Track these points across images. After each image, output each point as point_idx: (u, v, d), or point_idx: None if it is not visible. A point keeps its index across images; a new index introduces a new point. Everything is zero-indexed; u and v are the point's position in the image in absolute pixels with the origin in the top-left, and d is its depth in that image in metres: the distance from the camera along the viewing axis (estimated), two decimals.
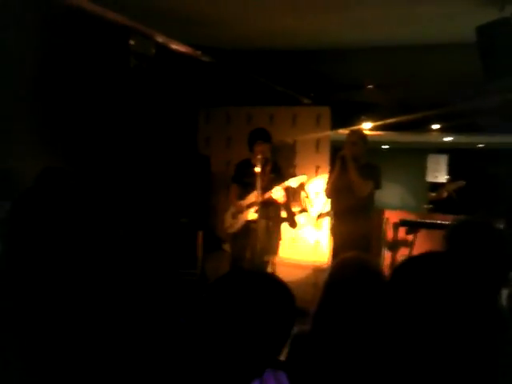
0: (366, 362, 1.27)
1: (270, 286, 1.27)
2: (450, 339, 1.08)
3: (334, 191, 4.86)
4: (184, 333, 1.25)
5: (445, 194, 6.60)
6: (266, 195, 4.84)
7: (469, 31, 3.91)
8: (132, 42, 5.01)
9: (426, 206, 6.95)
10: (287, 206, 5.30)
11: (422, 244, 5.42)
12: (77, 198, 1.66)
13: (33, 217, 1.40)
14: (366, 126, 8.43)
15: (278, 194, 4.91)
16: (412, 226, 5.62)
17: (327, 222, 5.39)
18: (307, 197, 5.73)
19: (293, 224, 5.61)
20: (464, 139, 9.49)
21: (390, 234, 6.26)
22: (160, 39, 5.36)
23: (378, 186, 4.85)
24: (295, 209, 5.79)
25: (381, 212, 6.66)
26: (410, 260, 1.21)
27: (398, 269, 1.18)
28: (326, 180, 5.07)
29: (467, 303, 1.13)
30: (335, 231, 4.98)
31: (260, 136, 5.08)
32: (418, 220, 5.82)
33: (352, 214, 4.76)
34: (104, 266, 2.53)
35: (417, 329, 1.12)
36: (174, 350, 1.27)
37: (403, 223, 5.70)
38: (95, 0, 4.40)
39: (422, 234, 5.56)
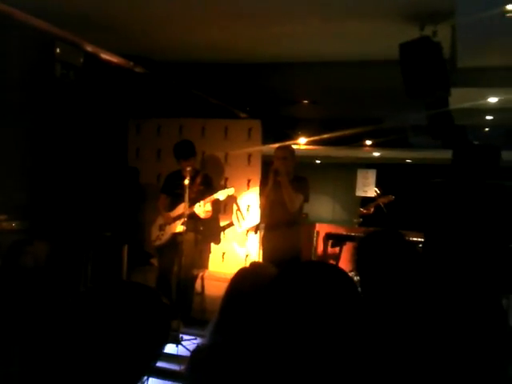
0: (262, 372, 1.25)
1: (139, 296, 1.24)
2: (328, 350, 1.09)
3: (267, 204, 4.88)
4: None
5: (371, 210, 6.78)
6: (190, 209, 4.79)
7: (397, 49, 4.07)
8: (58, 51, 4.87)
9: (355, 220, 7.11)
10: (211, 221, 5.29)
11: (348, 257, 5.53)
12: None
13: None
14: (301, 141, 8.58)
15: (199, 209, 4.88)
16: (337, 240, 5.72)
17: (257, 236, 5.40)
18: (238, 209, 5.74)
19: (216, 240, 5.61)
20: (393, 154, 9.83)
21: (320, 247, 6.36)
22: (89, 48, 5.25)
23: (306, 198, 4.91)
24: (224, 222, 5.78)
25: (312, 225, 6.76)
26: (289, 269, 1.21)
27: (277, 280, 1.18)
28: (259, 193, 5.08)
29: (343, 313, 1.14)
30: (266, 244, 4.99)
31: (183, 153, 5.03)
32: (344, 233, 5.93)
33: (283, 227, 4.80)
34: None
35: (306, 340, 1.11)
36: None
37: (329, 236, 5.79)
38: (19, 5, 4.26)
39: (349, 247, 5.68)
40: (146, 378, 1.26)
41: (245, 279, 1.77)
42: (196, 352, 1.63)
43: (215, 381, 1.53)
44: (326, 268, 1.21)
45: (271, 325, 1.11)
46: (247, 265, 2.16)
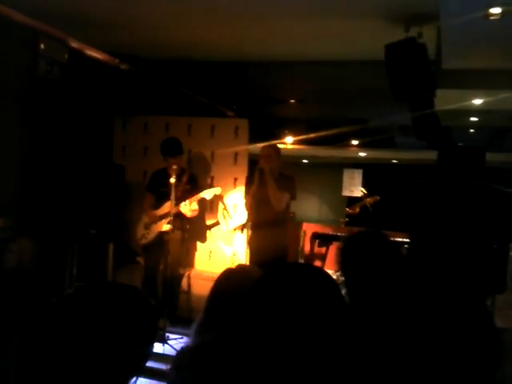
0: (245, 373, 1.25)
1: (127, 298, 1.25)
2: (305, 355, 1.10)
3: (253, 203, 4.88)
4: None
5: (357, 210, 6.83)
6: (176, 208, 4.77)
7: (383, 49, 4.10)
8: (42, 46, 4.83)
9: (342, 220, 7.15)
10: (197, 220, 5.28)
11: (334, 256, 5.54)
12: None
13: None
14: (288, 140, 8.60)
15: (185, 208, 4.86)
16: (323, 239, 5.74)
17: (244, 235, 5.41)
18: (225, 209, 5.72)
19: (202, 239, 5.60)
20: (379, 155, 9.90)
21: (307, 247, 6.37)
22: (74, 45, 5.21)
23: (294, 196, 4.92)
24: (210, 221, 5.77)
25: (299, 224, 6.78)
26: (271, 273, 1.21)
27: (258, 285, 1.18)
28: (244, 192, 5.08)
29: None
30: (252, 243, 4.99)
31: (170, 150, 5.01)
32: (330, 233, 5.95)
33: (269, 225, 4.80)
34: None
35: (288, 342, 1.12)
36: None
37: (315, 236, 5.81)
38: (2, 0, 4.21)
39: (335, 247, 5.69)
40: (134, 378, 1.27)
41: (229, 280, 1.77)
42: (180, 353, 1.63)
43: (199, 382, 1.53)
44: (309, 271, 1.21)
45: (254, 327, 1.12)
46: (234, 264, 2.16)
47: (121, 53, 5.60)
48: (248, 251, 5.08)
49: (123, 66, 5.77)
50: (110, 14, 4.56)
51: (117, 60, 5.61)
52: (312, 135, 7.79)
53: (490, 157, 4.85)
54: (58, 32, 4.91)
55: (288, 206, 4.94)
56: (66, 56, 5.05)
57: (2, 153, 4.60)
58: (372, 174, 8.11)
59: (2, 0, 4.15)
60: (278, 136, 8.11)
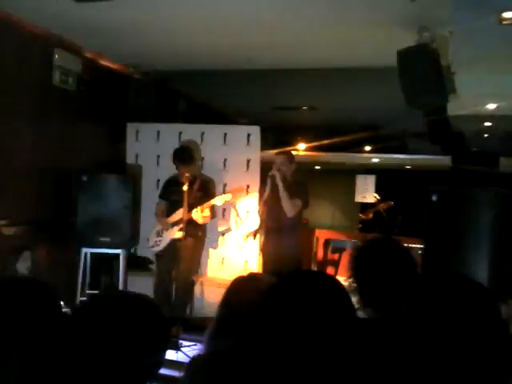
0: (263, 381, 1.25)
1: (138, 307, 1.26)
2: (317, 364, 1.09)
3: (265, 210, 4.89)
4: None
5: (370, 216, 6.81)
6: (188, 215, 4.80)
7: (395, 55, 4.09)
8: (57, 57, 4.90)
9: (355, 226, 7.13)
10: (209, 227, 5.30)
11: (347, 263, 5.52)
12: None
13: None
14: (300, 147, 8.59)
15: (197, 214, 4.88)
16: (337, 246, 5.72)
17: (256, 242, 5.40)
18: (237, 215, 5.73)
19: (213, 245, 5.62)
20: (392, 160, 9.82)
21: (319, 253, 6.36)
22: (88, 55, 5.28)
23: (306, 204, 4.92)
24: (221, 228, 5.77)
25: (312, 231, 6.76)
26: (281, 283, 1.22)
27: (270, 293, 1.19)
28: (258, 199, 5.11)
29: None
30: (265, 250, 4.99)
31: (181, 159, 5.04)
32: (344, 239, 5.93)
33: (281, 232, 4.81)
34: None
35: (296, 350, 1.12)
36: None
37: (328, 242, 5.79)
38: (19, 11, 4.28)
39: (348, 253, 5.67)
40: None
41: (240, 288, 1.77)
42: (193, 360, 1.63)
43: None
44: (321, 279, 1.22)
45: (266, 334, 1.12)
46: (246, 271, 2.16)
47: (133, 62, 5.66)
48: (261, 258, 5.09)
49: (136, 75, 5.83)
50: (123, 23, 4.60)
51: (130, 69, 5.67)
52: (324, 141, 7.77)
53: (504, 161, 4.82)
54: (72, 43, 4.97)
55: (300, 213, 4.94)
56: (80, 66, 5.12)
57: (17, 161, 4.66)
58: (385, 179, 8.07)
59: (17, 11, 4.22)
60: (290, 142, 8.11)
